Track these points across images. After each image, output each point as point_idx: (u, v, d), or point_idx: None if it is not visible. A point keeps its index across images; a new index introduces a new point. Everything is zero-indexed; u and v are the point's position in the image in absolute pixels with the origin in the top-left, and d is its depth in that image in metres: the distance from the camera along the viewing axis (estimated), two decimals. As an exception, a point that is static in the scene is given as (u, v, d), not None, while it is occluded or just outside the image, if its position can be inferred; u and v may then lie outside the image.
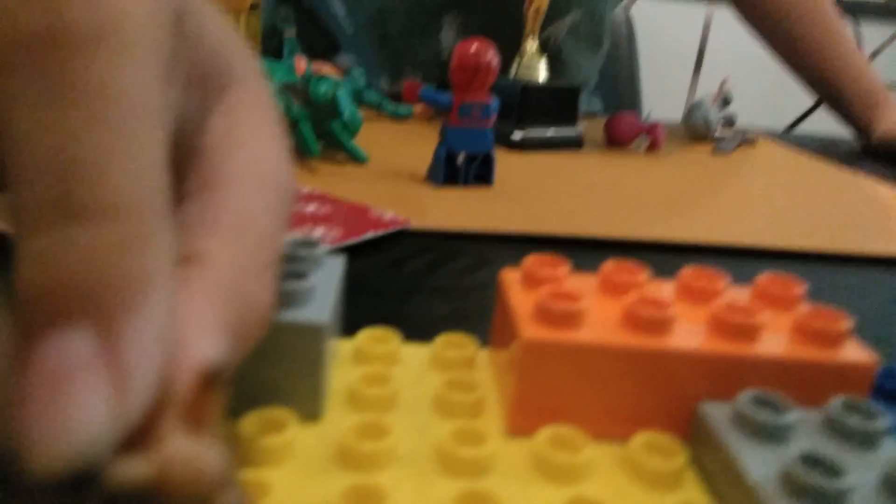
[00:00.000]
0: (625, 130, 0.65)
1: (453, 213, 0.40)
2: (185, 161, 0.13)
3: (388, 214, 0.37)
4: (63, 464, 0.09)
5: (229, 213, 0.13)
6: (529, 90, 0.58)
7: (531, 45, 0.59)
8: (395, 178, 0.46)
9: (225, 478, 0.11)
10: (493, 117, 0.45)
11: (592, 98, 0.90)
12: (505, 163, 0.52)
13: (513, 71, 0.60)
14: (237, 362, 0.13)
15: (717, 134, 0.72)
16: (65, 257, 0.09)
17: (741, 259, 0.38)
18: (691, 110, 0.73)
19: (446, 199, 0.43)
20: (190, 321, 0.11)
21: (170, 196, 0.10)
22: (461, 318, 0.28)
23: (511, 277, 0.21)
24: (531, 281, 0.20)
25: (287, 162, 0.14)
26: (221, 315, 0.12)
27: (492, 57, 0.42)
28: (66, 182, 0.09)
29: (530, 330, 0.18)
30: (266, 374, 0.17)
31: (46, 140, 0.09)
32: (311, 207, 0.37)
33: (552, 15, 0.60)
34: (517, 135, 0.58)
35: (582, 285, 0.20)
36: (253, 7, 0.62)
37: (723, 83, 0.74)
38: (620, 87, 1.14)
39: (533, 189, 0.47)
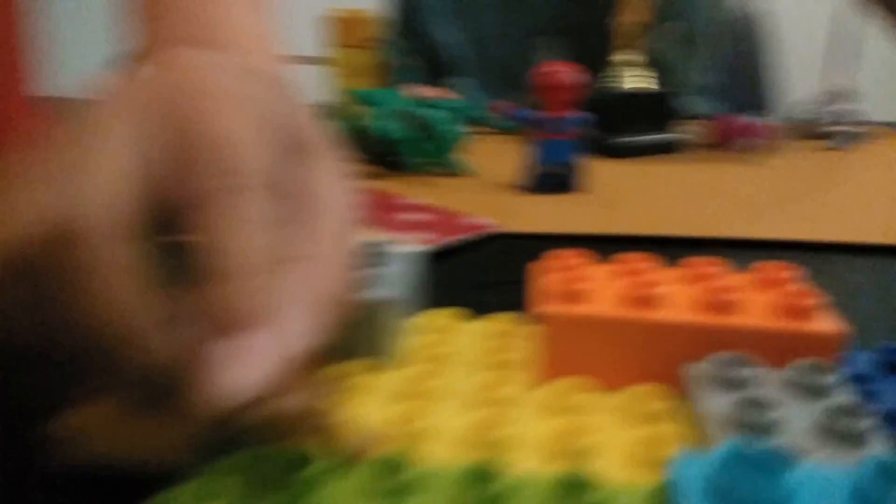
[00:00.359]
0: (729, 131, 0.67)
1: (540, 218, 0.45)
2: (287, 199, 0.20)
3: (479, 220, 0.43)
4: (232, 403, 0.16)
5: (325, 231, 0.20)
6: (618, 98, 0.62)
7: (623, 56, 0.63)
8: (491, 187, 0.52)
9: (318, 410, 0.18)
10: (579, 130, 0.50)
11: (704, 100, 0.91)
12: (601, 170, 0.56)
13: (606, 82, 0.64)
14: (333, 330, 0.20)
15: (829, 130, 0.71)
16: (243, 295, 0.16)
17: (834, 255, 0.40)
18: (800, 107, 0.73)
19: (535, 205, 0.48)
20: (298, 303, 0.18)
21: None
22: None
23: (541, 266, 0.26)
24: (553, 268, 0.25)
25: (350, 196, 0.21)
26: (321, 295, 0.19)
27: (572, 76, 0.47)
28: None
29: (545, 304, 0.23)
30: (351, 336, 0.24)
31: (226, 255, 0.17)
32: (412, 216, 0.44)
33: (650, 26, 0.64)
34: (610, 142, 0.62)
35: (597, 272, 0.25)
36: (370, 41, 0.71)
37: (835, 77, 0.73)
38: (744, 85, 1.13)
39: (622, 193, 0.51)
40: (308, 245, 0.19)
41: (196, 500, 0.18)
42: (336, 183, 0.21)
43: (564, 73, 0.47)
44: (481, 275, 0.37)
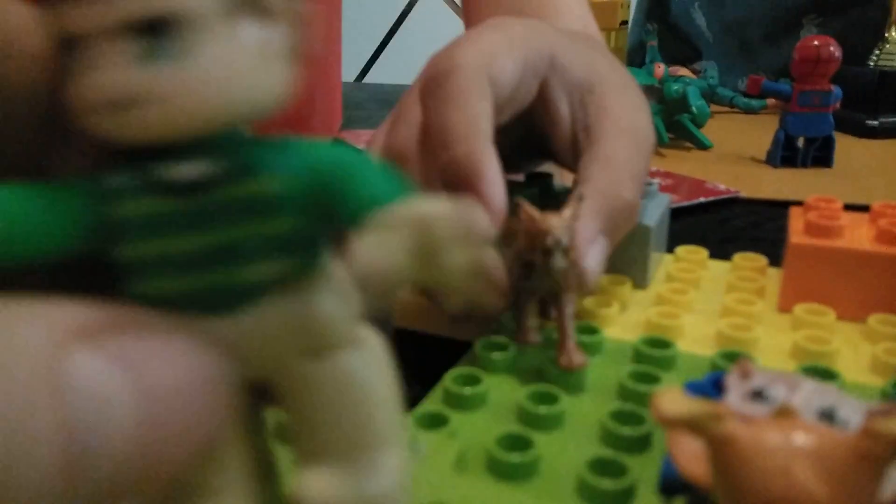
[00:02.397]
0: None
1: (783, 187, 0.46)
2: (580, 132, 0.25)
3: (721, 185, 0.45)
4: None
5: (601, 153, 0.24)
6: (887, 77, 0.58)
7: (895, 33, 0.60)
8: (735, 160, 0.53)
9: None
10: (836, 104, 0.49)
11: None
12: (855, 149, 0.55)
13: (872, 60, 0.61)
14: (614, 242, 0.24)
15: None
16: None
17: None
18: None
19: (780, 176, 0.49)
20: (582, 219, 0.23)
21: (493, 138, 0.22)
22: (770, 258, 0.35)
23: (797, 209, 0.28)
24: (807, 210, 0.28)
25: (643, 117, 0.25)
26: (599, 210, 0.23)
27: (833, 49, 0.47)
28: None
29: (796, 237, 0.26)
30: (615, 254, 0.28)
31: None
32: (657, 180, 0.47)
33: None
34: (871, 122, 0.59)
35: (849, 217, 0.27)
36: (622, 24, 0.74)
37: None
38: None
39: (876, 170, 0.50)
40: (596, 164, 0.24)
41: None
42: (624, 108, 0.25)
43: (824, 47, 0.47)
44: (725, 231, 0.39)
